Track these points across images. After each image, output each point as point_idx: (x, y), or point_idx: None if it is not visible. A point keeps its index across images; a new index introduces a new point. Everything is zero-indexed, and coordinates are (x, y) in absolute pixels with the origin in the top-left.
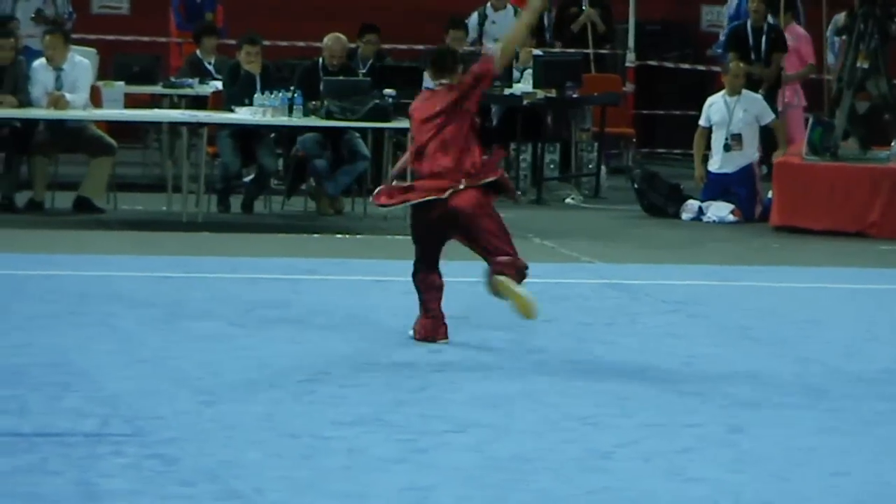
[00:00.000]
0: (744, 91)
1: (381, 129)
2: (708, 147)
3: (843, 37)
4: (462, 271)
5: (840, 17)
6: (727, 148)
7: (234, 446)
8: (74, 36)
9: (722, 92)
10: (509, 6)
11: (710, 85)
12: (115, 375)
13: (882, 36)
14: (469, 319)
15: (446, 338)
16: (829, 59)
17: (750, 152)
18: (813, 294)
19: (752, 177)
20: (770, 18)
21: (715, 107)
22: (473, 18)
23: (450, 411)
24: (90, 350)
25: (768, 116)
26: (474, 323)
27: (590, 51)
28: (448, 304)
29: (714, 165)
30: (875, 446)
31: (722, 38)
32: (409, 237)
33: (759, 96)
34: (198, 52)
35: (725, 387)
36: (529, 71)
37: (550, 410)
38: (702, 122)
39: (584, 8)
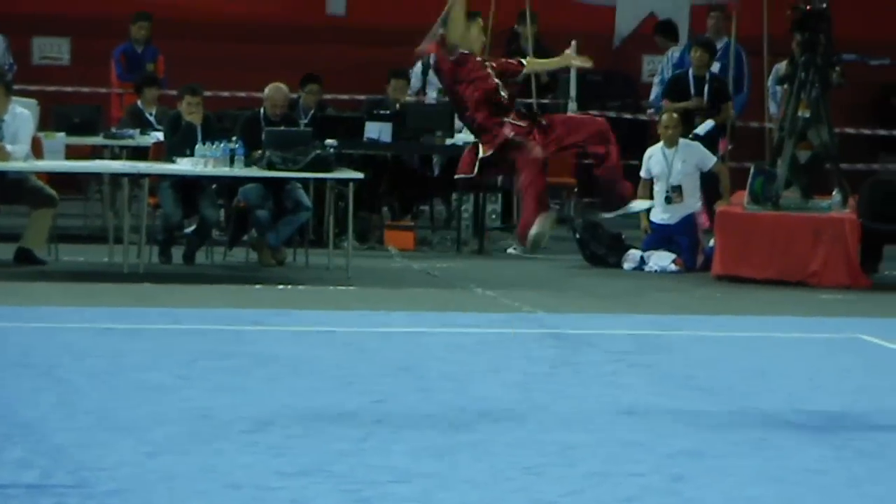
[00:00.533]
0: (681, 141)
1: (323, 180)
2: (651, 197)
3: (785, 86)
4: (404, 322)
5: (781, 66)
6: (668, 200)
7: (177, 497)
8: (15, 86)
9: (661, 143)
10: None
11: (652, 135)
12: (59, 427)
13: (823, 85)
14: (411, 370)
15: None
16: (771, 108)
17: (691, 202)
18: (755, 343)
19: (694, 226)
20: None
21: (654, 159)
22: (417, 67)
23: (394, 461)
24: (33, 402)
25: (709, 161)
26: (417, 373)
27: (532, 101)
28: (390, 355)
29: (656, 216)
30: (818, 495)
31: (655, 89)
32: (349, 288)
33: (697, 144)
34: (139, 102)
35: (668, 436)
36: None
37: (495, 460)
38: (642, 174)
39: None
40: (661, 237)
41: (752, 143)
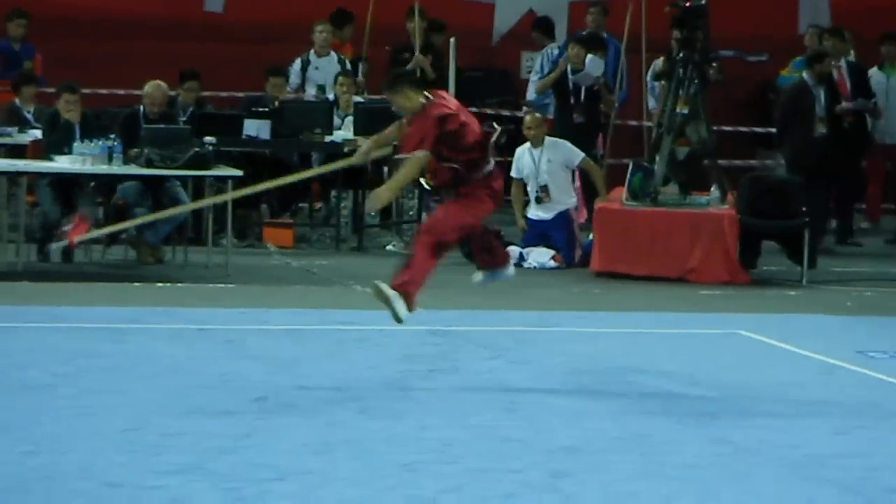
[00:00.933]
0: (547, 140)
1: (202, 177)
2: (525, 195)
3: (663, 82)
4: (283, 319)
5: (659, 63)
6: (538, 200)
7: (55, 497)
8: None
9: (527, 145)
10: (332, 53)
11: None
12: None
13: (701, 81)
14: (291, 368)
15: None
16: (650, 104)
17: (564, 199)
18: (635, 339)
19: (570, 222)
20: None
21: (523, 160)
22: (296, 64)
23: (274, 459)
24: None
25: (576, 158)
26: (297, 371)
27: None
28: (274, 351)
29: (532, 213)
30: (696, 491)
31: (532, 87)
32: (228, 285)
33: (562, 142)
34: (17, 100)
35: (547, 432)
36: (350, 118)
37: (373, 457)
38: (513, 173)
39: (415, 54)
40: (537, 233)
41: (630, 139)
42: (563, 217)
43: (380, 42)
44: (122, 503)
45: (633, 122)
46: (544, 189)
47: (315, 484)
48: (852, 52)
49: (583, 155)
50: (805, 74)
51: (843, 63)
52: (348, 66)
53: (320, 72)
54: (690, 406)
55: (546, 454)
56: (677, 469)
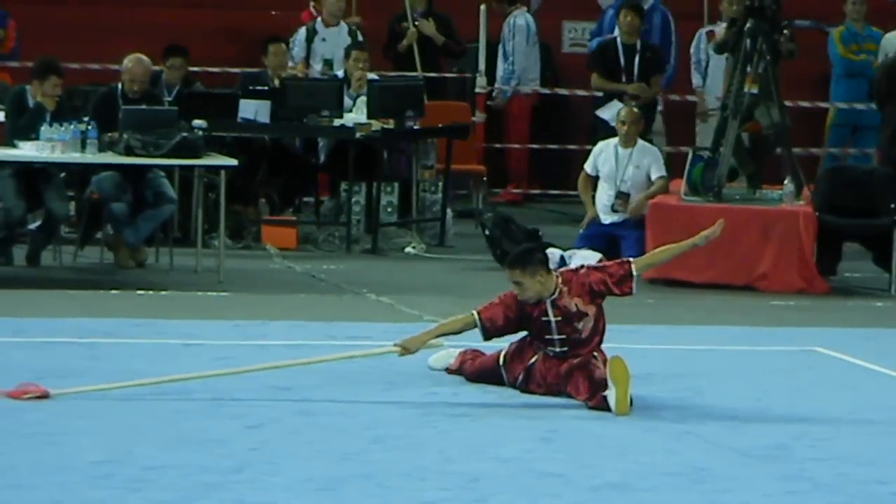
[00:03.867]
0: (638, 142)
1: (190, 167)
2: (593, 192)
3: (727, 56)
4: (284, 333)
5: (716, 30)
6: (613, 209)
7: None
8: None
9: (614, 140)
10: (342, 23)
11: (570, 111)
12: None
13: (773, 55)
14: (292, 390)
15: None
16: (696, 80)
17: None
18: (694, 357)
19: (644, 222)
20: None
21: (603, 157)
22: (301, 34)
23: (270, 497)
24: None
25: (657, 171)
26: (299, 394)
27: (418, 73)
28: (267, 373)
29: (599, 215)
30: None
31: (501, 65)
32: (220, 293)
33: (653, 148)
34: None
35: (592, 466)
36: (363, 98)
37: (391, 495)
38: (588, 168)
39: (415, 23)
40: (601, 234)
41: (683, 121)
42: (641, 222)
43: (372, 11)
44: None
45: (684, 98)
46: (623, 197)
47: None
48: None
49: (664, 172)
50: None
51: None
52: (360, 37)
53: (328, 44)
54: (758, 436)
55: (590, 492)
56: None
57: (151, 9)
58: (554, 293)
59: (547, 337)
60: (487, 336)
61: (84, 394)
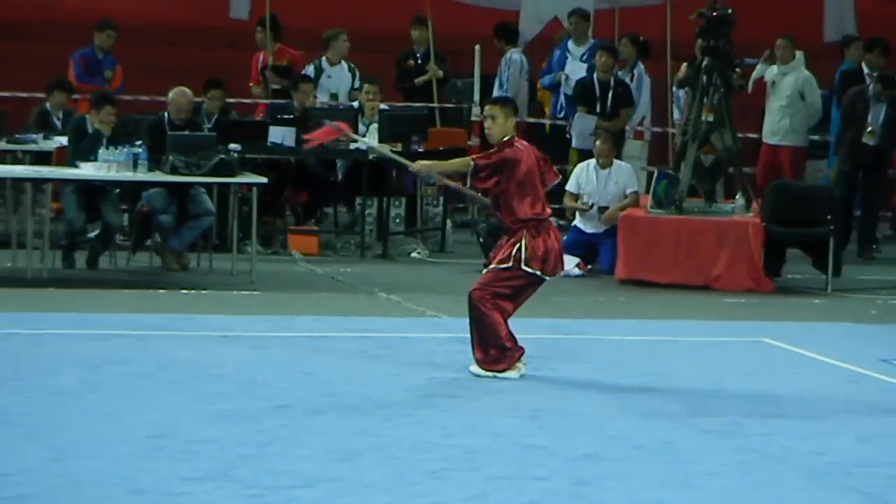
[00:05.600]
0: (615, 162)
1: (227, 184)
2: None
3: (686, 89)
4: (308, 326)
5: (682, 70)
6: (598, 218)
7: (81, 502)
8: None
9: (592, 162)
10: (343, 62)
11: (544, 140)
12: None
13: (726, 88)
14: (315, 374)
15: None
16: (675, 114)
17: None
18: (659, 347)
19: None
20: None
21: (585, 176)
22: (309, 72)
23: (297, 466)
24: None
25: (631, 187)
26: (321, 378)
27: (435, 105)
28: (294, 360)
29: (581, 223)
30: (720, 499)
31: (497, 91)
32: (252, 292)
33: (626, 166)
34: (47, 104)
35: (571, 440)
36: (375, 125)
37: (399, 465)
38: (570, 188)
39: (418, 61)
40: (582, 242)
41: (655, 147)
42: (615, 230)
43: (373, 49)
44: None
45: (658, 129)
46: (604, 210)
47: (340, 491)
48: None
49: (636, 188)
50: (871, 87)
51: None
52: (357, 74)
53: (333, 80)
54: (714, 414)
55: (569, 462)
56: (701, 477)
57: (193, 49)
58: (509, 138)
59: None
60: (476, 171)
61: (134, 377)
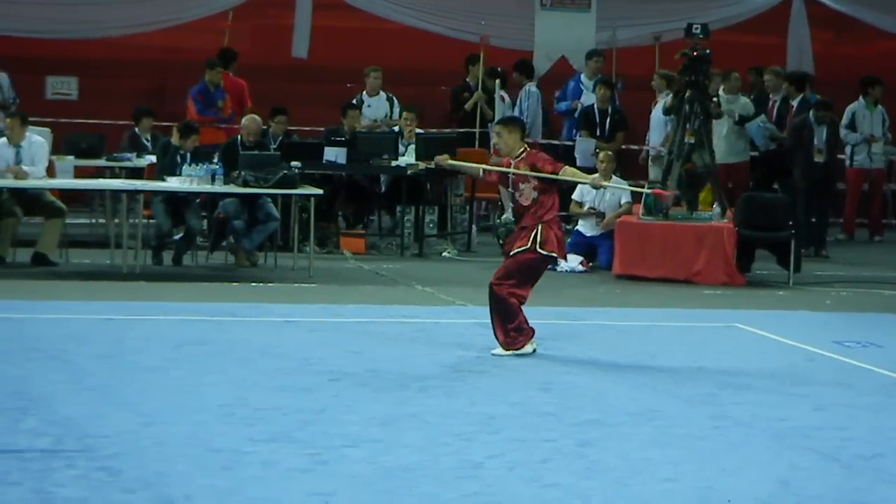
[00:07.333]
0: (613, 177)
1: (289, 195)
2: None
3: (671, 116)
4: (355, 313)
5: (668, 100)
6: (595, 223)
7: (166, 460)
8: (32, 118)
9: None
10: (381, 93)
11: (560, 155)
12: (67, 401)
13: (705, 116)
14: (362, 354)
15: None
16: (653, 139)
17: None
18: (648, 331)
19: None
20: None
21: (588, 189)
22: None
23: (346, 429)
24: (45, 380)
25: (626, 198)
26: (367, 356)
27: (476, 129)
28: (344, 341)
29: (584, 227)
30: (700, 458)
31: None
32: (310, 285)
33: (623, 181)
34: (136, 129)
35: (576, 408)
36: (412, 146)
37: (431, 428)
38: (576, 197)
39: (474, 92)
40: (584, 243)
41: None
42: (612, 233)
43: (424, 83)
44: (222, 465)
45: (634, 147)
46: (602, 216)
47: (382, 450)
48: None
49: (630, 199)
50: (811, 115)
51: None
52: (396, 103)
53: (372, 109)
54: (695, 387)
55: (574, 426)
56: (683, 439)
57: (262, 83)
58: (519, 155)
59: (510, 190)
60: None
61: (210, 355)
